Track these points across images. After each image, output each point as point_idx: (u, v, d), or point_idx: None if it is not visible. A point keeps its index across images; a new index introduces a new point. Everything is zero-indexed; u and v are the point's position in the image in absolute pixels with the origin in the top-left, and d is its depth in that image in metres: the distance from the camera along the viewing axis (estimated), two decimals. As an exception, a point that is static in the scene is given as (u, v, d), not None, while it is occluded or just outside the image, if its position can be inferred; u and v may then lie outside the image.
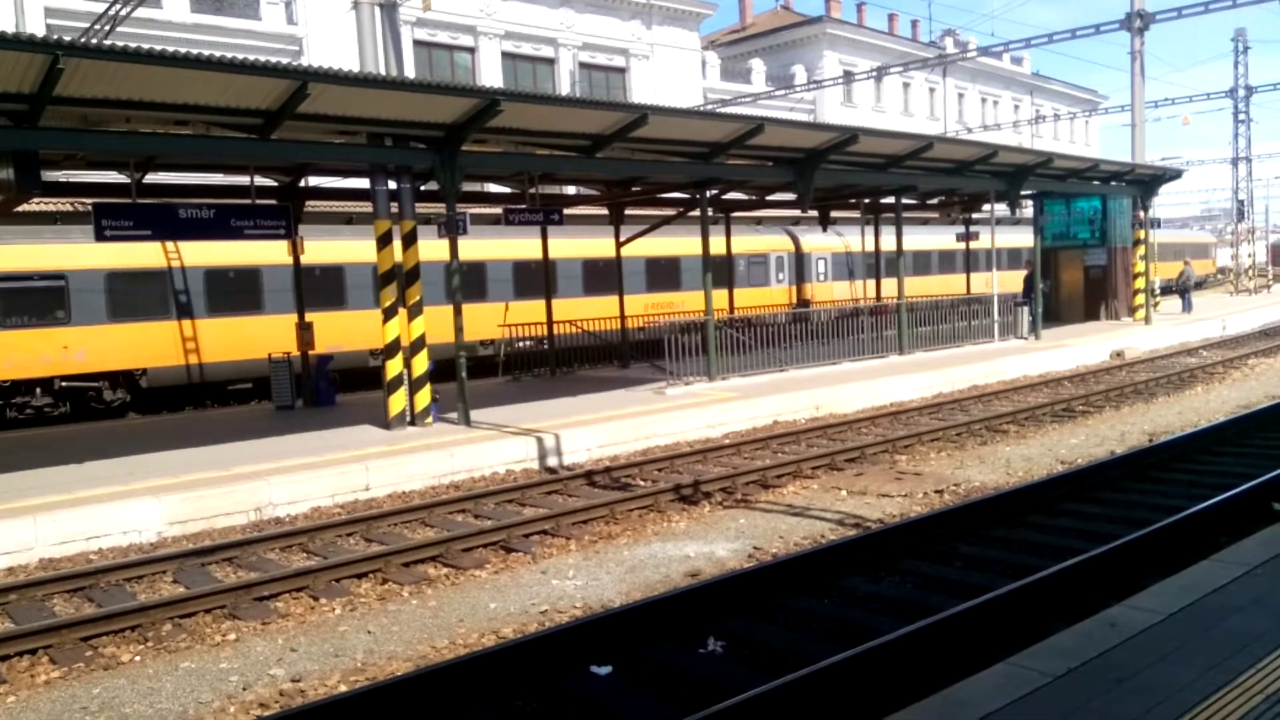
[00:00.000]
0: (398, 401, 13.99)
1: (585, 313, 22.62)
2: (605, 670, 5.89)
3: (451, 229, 14.19)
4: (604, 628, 6.23)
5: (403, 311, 13.99)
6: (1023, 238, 34.67)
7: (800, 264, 31.01)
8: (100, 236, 12.68)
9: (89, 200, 15.51)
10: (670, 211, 21.87)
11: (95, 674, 6.52)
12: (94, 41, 16.85)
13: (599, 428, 13.38)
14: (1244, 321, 29.34)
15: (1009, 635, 5.73)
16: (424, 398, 14.18)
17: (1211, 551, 5.98)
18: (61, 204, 19.59)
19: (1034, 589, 6.37)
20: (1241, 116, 43.13)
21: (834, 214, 26.66)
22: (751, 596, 6.88)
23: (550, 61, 37.74)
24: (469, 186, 18.10)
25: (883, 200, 24.29)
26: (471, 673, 5.59)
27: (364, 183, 14.81)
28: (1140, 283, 28.36)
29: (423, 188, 15.55)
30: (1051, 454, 12.17)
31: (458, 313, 14.23)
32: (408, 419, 14.07)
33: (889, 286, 28.76)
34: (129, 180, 14.04)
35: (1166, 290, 36.92)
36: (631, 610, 6.50)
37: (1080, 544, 7.79)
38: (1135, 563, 7.01)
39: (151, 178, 15.16)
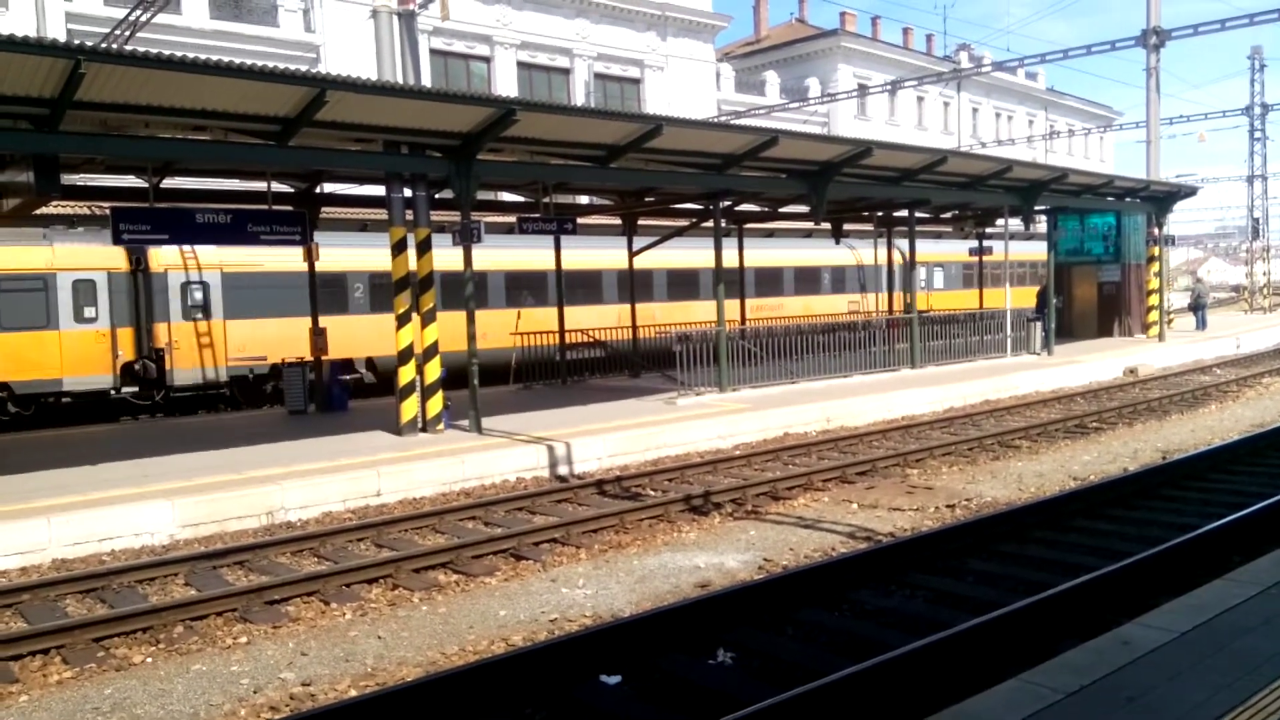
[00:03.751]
0: (410, 408, 14.04)
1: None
2: (615, 680, 5.90)
3: (466, 237, 14.25)
4: (614, 637, 6.23)
5: (416, 318, 14.06)
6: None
7: (149, 292, 18.97)
8: (118, 240, 12.79)
9: (107, 204, 15.65)
10: (683, 222, 21.91)
11: (107, 674, 6.56)
12: (115, 47, 17.01)
13: (609, 437, 13.39)
14: (1259, 340, 29.19)
15: (1020, 651, 5.71)
16: (436, 404, 14.23)
17: (1225, 571, 5.95)
18: (79, 207, 19.76)
19: (1045, 605, 6.35)
20: (1257, 134, 43.09)
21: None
22: (761, 608, 6.87)
23: (565, 71, 37.90)
24: (483, 195, 18.17)
25: (896, 214, 24.28)
26: (481, 680, 5.60)
27: (380, 189, 14.89)
28: (1154, 299, 28.27)
29: (437, 196, 15.64)
30: (1064, 470, 12.13)
31: (471, 320, 14.28)
32: (419, 425, 14.11)
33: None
34: (147, 185, 14.17)
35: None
36: (641, 620, 6.51)
37: (1092, 561, 7.76)
38: (1148, 581, 6.98)
39: (169, 182, 15.31)
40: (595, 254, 24.90)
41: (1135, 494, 10.25)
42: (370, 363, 21.47)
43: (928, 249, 33.31)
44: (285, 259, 19.28)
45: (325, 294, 19.50)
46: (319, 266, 17.87)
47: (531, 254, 23.61)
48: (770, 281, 29.25)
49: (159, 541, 9.75)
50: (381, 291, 20.36)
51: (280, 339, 19.87)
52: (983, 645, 5.84)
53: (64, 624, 7.17)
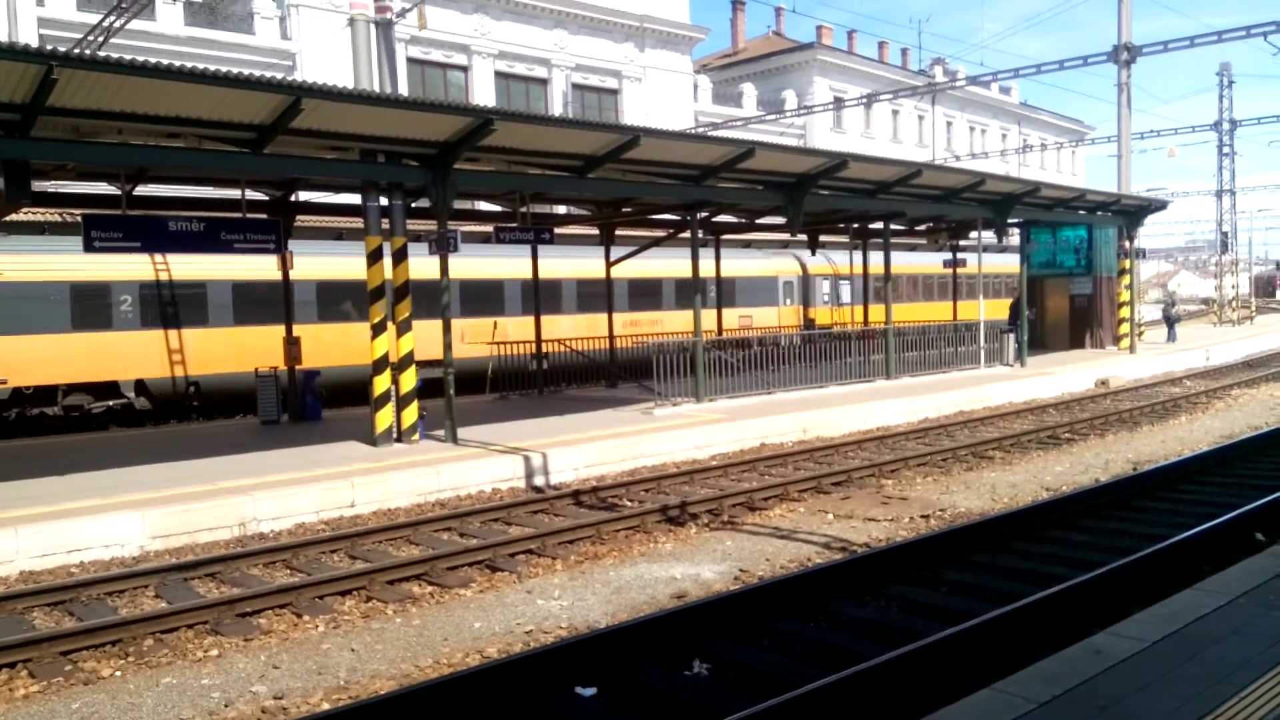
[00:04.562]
0: (384, 418, 13.95)
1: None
2: (590, 691, 5.87)
3: (442, 246, 14.21)
4: (590, 648, 6.20)
5: (391, 327, 13.98)
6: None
7: None
8: (89, 248, 12.64)
9: (78, 211, 15.48)
10: (660, 233, 21.96)
11: (75, 689, 6.45)
12: (88, 53, 16.84)
13: (586, 447, 13.37)
14: (1227, 352, 29.58)
15: (993, 661, 5.74)
16: (411, 414, 14.14)
17: (1195, 580, 6.01)
18: (50, 214, 19.53)
19: (1018, 615, 6.39)
20: (1226, 150, 43.68)
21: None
22: (737, 619, 6.87)
23: (543, 82, 37.93)
24: (460, 204, 18.13)
25: (871, 226, 24.44)
26: (455, 692, 5.56)
27: (356, 198, 14.83)
28: (1125, 311, 28.60)
29: (414, 205, 15.58)
30: (1036, 481, 12.23)
31: (447, 329, 14.23)
32: (394, 436, 14.02)
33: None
34: (119, 192, 14.03)
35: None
36: (617, 631, 6.49)
37: (1065, 571, 7.83)
38: (1119, 590, 7.04)
39: (142, 190, 15.15)
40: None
41: (1107, 504, 10.35)
42: (141, 385, 18.96)
43: (834, 260, 31.60)
44: (27, 267, 17.34)
45: (83, 306, 17.90)
46: (77, 275, 17.10)
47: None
48: (649, 294, 26.44)
49: (129, 553, 9.62)
50: (157, 304, 18.76)
51: (23, 359, 17.37)
52: (956, 655, 5.87)
53: (31, 637, 7.06)
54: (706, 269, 27.24)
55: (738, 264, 29.16)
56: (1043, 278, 30.01)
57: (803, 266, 31.31)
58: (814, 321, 30.02)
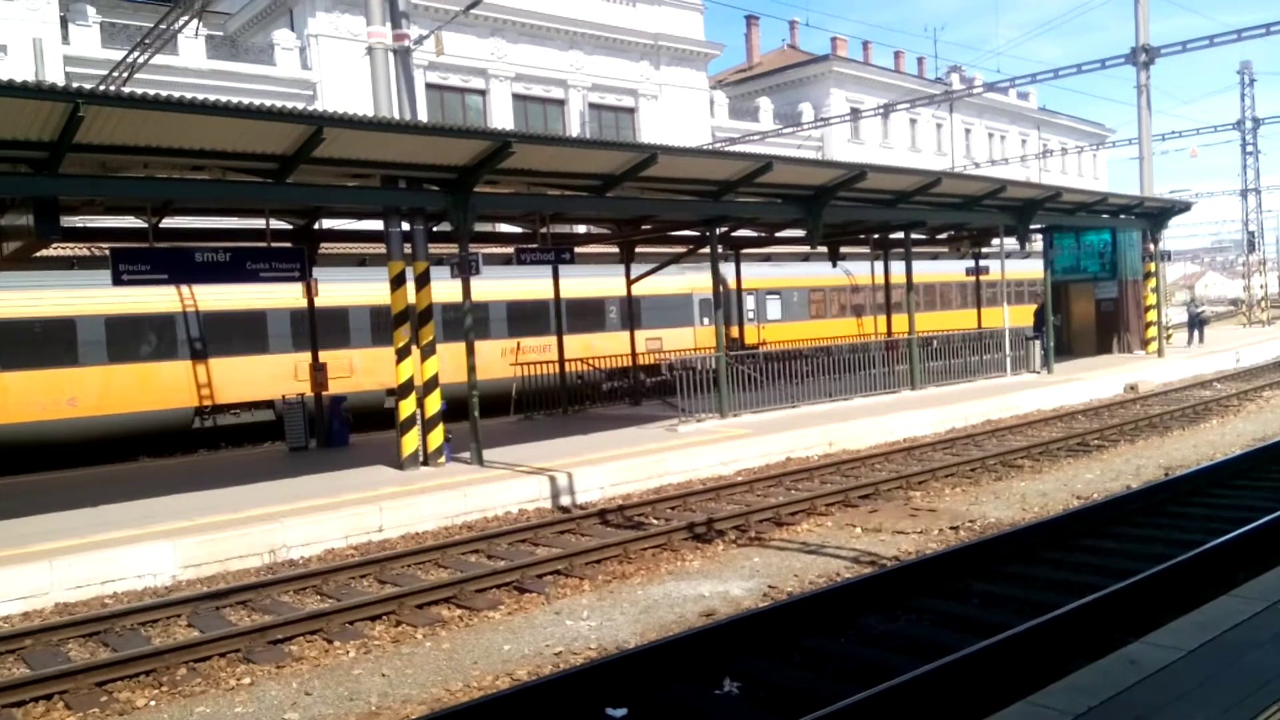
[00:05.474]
0: (410, 442, 14.02)
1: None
2: (621, 713, 5.85)
3: (464, 269, 14.30)
4: (619, 669, 6.19)
5: (416, 351, 14.07)
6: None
7: None
8: (118, 281, 12.82)
9: (106, 245, 15.71)
10: (680, 249, 22.00)
11: (110, 719, 6.50)
12: (113, 89, 17.14)
13: (611, 466, 13.37)
14: (1258, 353, 29.20)
15: (1027, 673, 5.68)
16: (437, 437, 14.21)
17: (1231, 587, 5.92)
18: (78, 249, 19.83)
19: (1052, 626, 6.32)
20: (1249, 148, 43.26)
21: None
22: (767, 636, 6.84)
23: (560, 103, 38.17)
24: (481, 226, 18.25)
25: (891, 236, 24.37)
26: (486, 716, 5.56)
27: (378, 224, 14.96)
28: (1152, 315, 28.30)
29: (435, 228, 15.70)
30: (1067, 489, 12.10)
31: (470, 351, 14.30)
32: (420, 459, 14.09)
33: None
34: (146, 225, 14.23)
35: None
36: (646, 651, 6.47)
37: (1098, 580, 7.73)
38: (1154, 599, 6.95)
39: (168, 222, 15.36)
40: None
41: (1139, 511, 10.22)
42: None
43: (760, 272, 29.80)
44: None
45: None
46: None
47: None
48: (538, 316, 23.82)
49: (161, 583, 9.71)
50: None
51: None
52: (989, 668, 5.81)
53: (67, 669, 7.13)
54: (586, 286, 24.90)
55: (645, 280, 23.78)
56: (1067, 283, 29.75)
57: (723, 281, 29.40)
58: (739, 342, 27.45)
